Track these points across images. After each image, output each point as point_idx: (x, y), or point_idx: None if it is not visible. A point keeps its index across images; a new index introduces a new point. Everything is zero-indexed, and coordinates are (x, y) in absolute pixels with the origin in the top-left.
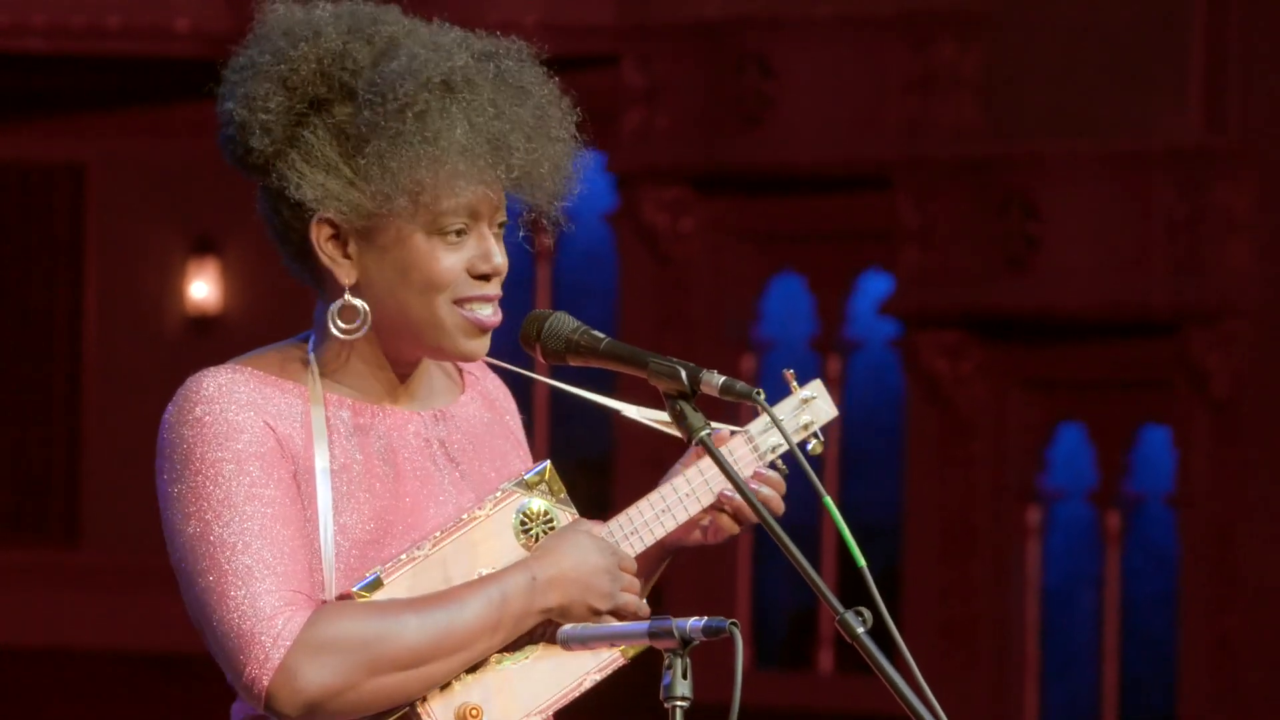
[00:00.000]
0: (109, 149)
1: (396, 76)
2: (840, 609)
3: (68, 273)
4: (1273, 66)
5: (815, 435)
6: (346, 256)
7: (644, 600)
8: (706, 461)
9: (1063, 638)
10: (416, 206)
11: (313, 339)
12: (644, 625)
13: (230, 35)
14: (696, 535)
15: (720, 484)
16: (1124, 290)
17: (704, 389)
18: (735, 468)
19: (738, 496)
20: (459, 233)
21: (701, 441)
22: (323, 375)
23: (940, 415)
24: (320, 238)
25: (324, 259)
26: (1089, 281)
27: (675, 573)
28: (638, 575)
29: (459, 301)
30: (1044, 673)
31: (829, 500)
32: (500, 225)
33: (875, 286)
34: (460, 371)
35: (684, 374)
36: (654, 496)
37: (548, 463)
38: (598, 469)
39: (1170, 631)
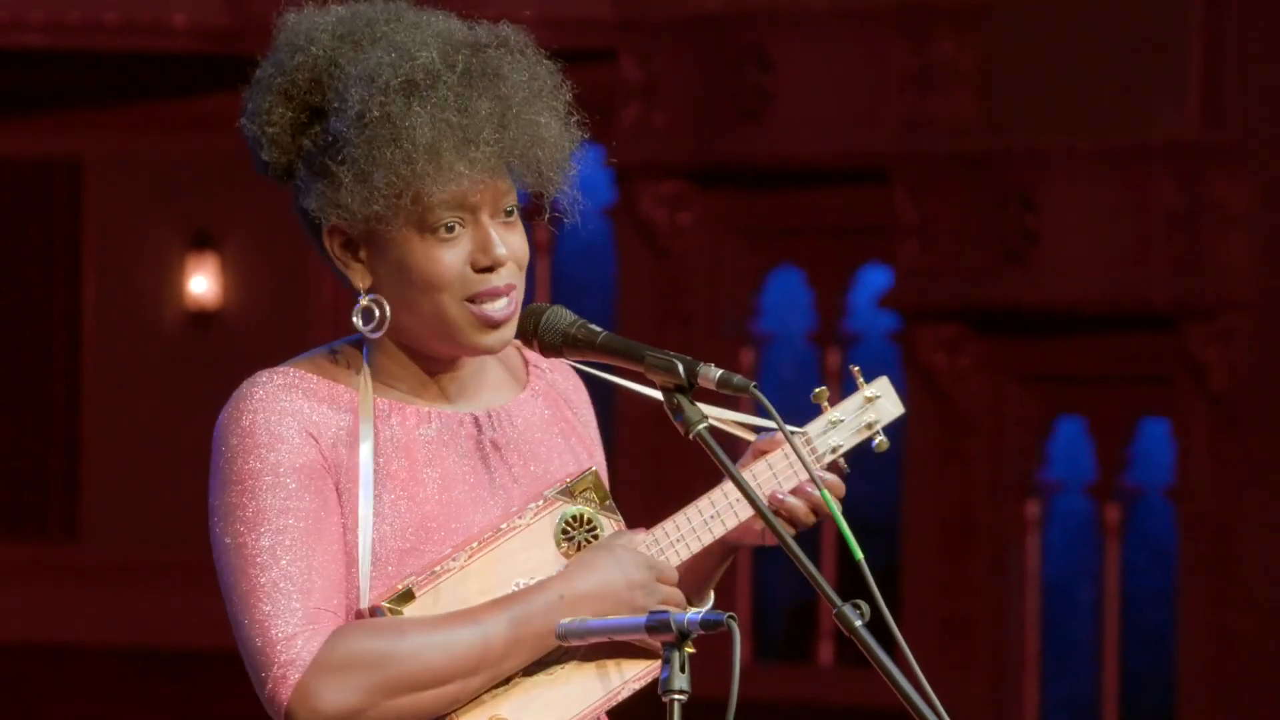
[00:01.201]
0: (107, 145)
1: (355, 82)
2: (838, 602)
3: (66, 269)
4: (1271, 61)
5: (879, 434)
6: (359, 260)
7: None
8: (759, 465)
9: (1062, 632)
10: (397, 208)
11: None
12: (641, 619)
13: (228, 31)
14: (755, 536)
15: (771, 487)
16: (1123, 284)
17: (701, 382)
18: (790, 471)
19: (789, 499)
20: (451, 228)
21: (699, 436)
22: (374, 377)
23: (939, 409)
24: (333, 244)
25: (338, 264)
26: (1087, 275)
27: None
28: (698, 574)
29: (470, 299)
30: (1043, 667)
31: (827, 494)
32: (507, 214)
33: (874, 280)
34: (527, 366)
35: (681, 367)
36: (703, 502)
37: (592, 468)
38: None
39: (1170, 625)
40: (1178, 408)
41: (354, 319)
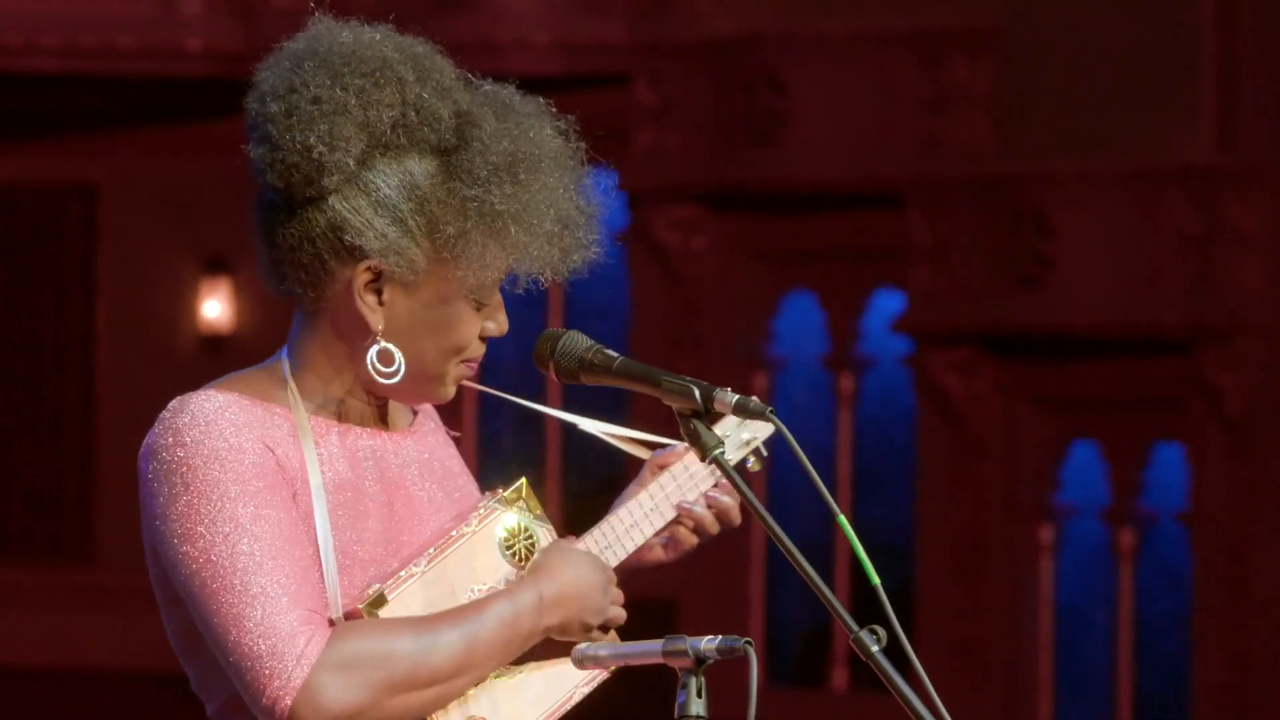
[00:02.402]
0: (121, 169)
1: (514, 158)
2: (855, 628)
3: (80, 293)
4: None
5: (756, 452)
6: (381, 304)
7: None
8: (666, 476)
9: (1076, 656)
10: (480, 279)
11: (288, 360)
12: (658, 644)
13: (242, 55)
14: (657, 553)
15: (679, 498)
16: (1136, 308)
17: (718, 407)
18: (691, 482)
19: (696, 509)
20: (489, 300)
21: (716, 460)
22: (303, 397)
23: (952, 433)
24: (359, 281)
25: (359, 303)
26: (1101, 299)
27: (689, 591)
28: None
29: (465, 360)
30: (1057, 691)
31: (843, 520)
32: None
33: (887, 304)
34: None
35: (697, 392)
36: (621, 512)
37: (523, 479)
38: (607, 488)
39: (1184, 649)
40: (1192, 432)
41: (370, 359)
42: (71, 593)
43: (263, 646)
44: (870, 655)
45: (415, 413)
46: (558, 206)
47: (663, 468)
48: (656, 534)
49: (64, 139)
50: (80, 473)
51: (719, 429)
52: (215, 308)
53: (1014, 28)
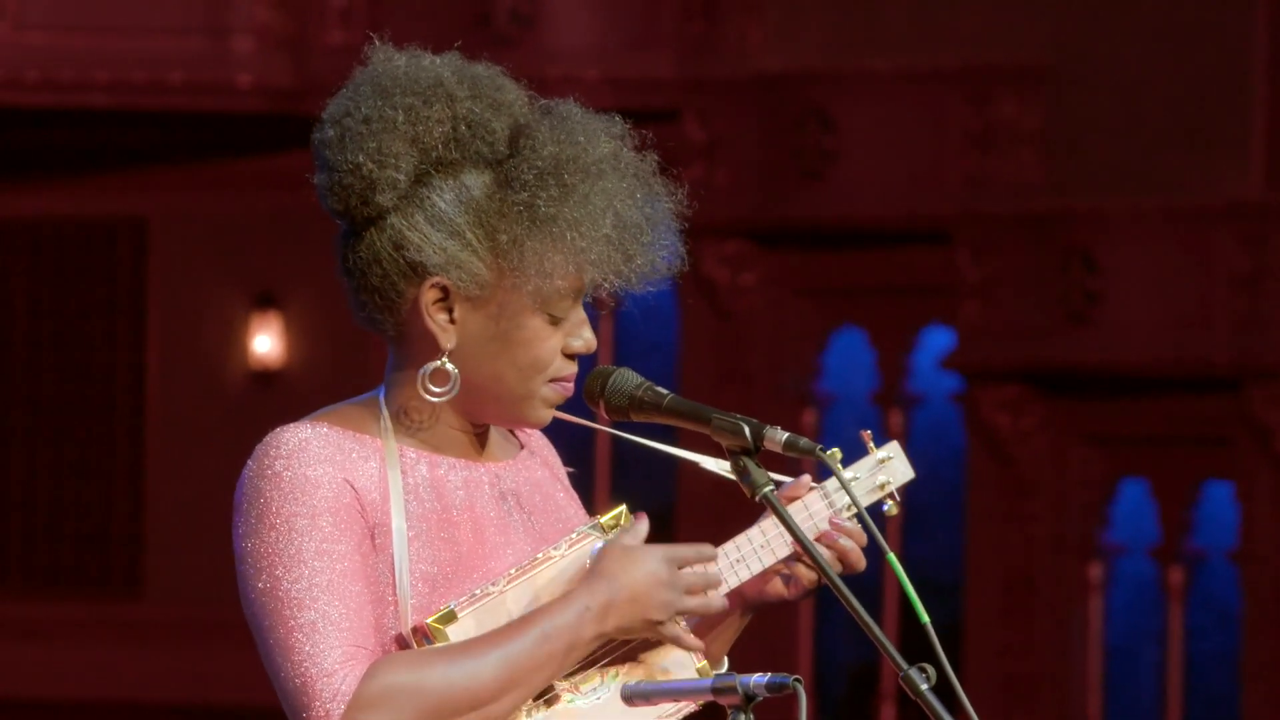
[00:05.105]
0: (171, 204)
1: (558, 162)
2: (904, 665)
3: (130, 327)
4: None
5: (892, 496)
6: (451, 321)
7: (721, 597)
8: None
9: (1125, 695)
10: (542, 288)
11: (384, 393)
12: (708, 681)
13: (292, 91)
14: (777, 587)
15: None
16: (1186, 345)
17: (768, 445)
18: (810, 523)
19: (841, 540)
20: (565, 314)
21: (765, 498)
22: (397, 430)
23: (1002, 470)
24: (428, 299)
25: (429, 322)
26: (1150, 336)
27: None
28: (709, 631)
29: (553, 380)
30: None
31: (893, 557)
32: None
33: (936, 341)
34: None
35: (748, 430)
36: (729, 546)
37: (623, 506)
38: (658, 521)
39: (1233, 688)
40: (1241, 470)
41: (423, 378)
42: (119, 627)
43: (303, 680)
44: (919, 693)
45: (522, 446)
46: (614, 210)
47: (789, 501)
48: (774, 569)
49: (115, 174)
50: (129, 507)
51: (853, 470)
52: (265, 343)
53: (1063, 65)
